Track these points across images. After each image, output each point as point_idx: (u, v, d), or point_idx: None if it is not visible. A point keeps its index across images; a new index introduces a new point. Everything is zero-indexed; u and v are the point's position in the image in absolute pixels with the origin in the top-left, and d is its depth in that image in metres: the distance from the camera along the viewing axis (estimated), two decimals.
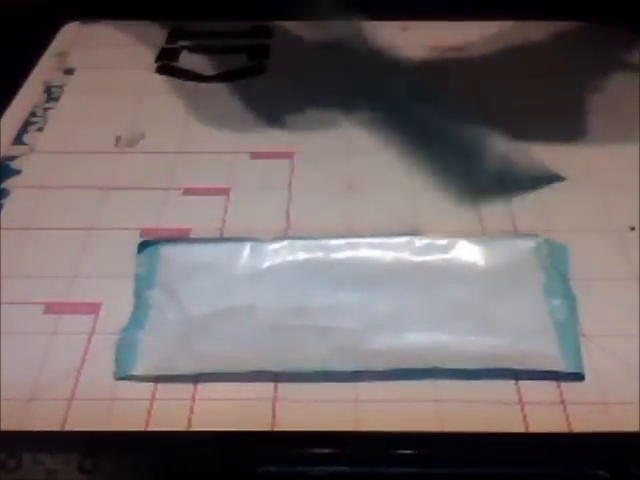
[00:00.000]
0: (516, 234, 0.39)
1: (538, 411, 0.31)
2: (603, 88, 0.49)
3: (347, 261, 0.37)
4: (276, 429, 0.31)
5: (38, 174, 0.43)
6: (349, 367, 0.32)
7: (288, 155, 0.45)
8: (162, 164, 0.44)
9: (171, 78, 0.52)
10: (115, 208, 0.41)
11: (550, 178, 0.42)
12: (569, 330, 0.34)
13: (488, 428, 0.30)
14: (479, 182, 0.42)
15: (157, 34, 0.56)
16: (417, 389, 0.32)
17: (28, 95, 0.50)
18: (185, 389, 0.32)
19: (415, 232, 0.39)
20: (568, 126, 0.46)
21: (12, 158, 0.45)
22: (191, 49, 0.55)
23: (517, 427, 0.31)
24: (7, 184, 0.43)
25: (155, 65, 0.53)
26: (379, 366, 0.32)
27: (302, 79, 0.51)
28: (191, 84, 0.51)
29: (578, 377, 0.32)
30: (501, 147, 0.43)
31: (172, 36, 0.56)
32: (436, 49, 0.54)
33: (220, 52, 0.54)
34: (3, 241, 0.39)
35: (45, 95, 0.50)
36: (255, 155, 0.45)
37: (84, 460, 0.29)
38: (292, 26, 0.56)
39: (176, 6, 0.56)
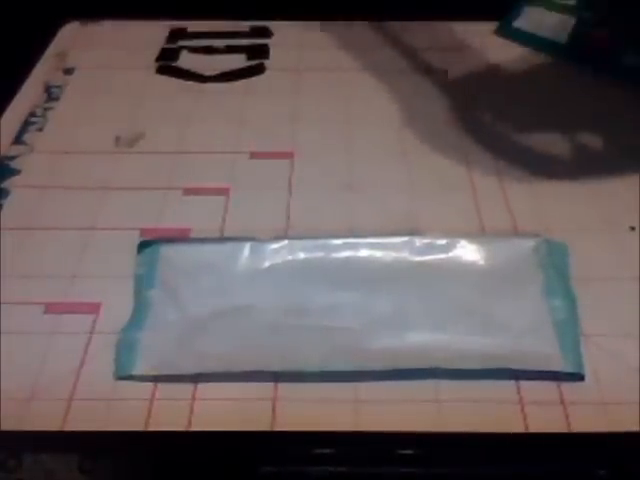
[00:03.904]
0: (516, 234, 0.39)
1: (538, 411, 0.31)
2: None
3: (347, 261, 0.37)
4: (276, 429, 0.31)
5: (38, 174, 0.43)
6: (349, 367, 0.32)
7: (288, 155, 0.45)
8: (162, 164, 0.44)
9: (171, 78, 0.52)
10: (115, 208, 0.41)
11: None
12: (569, 330, 0.34)
13: (488, 428, 0.30)
14: None
15: (157, 34, 0.56)
16: (417, 389, 0.32)
17: (28, 95, 0.50)
18: (185, 389, 0.32)
19: (415, 232, 0.39)
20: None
21: (12, 158, 0.45)
22: (191, 49, 0.55)
23: (517, 427, 0.31)
24: (7, 184, 0.43)
25: (155, 65, 0.53)
26: (379, 366, 0.32)
27: (302, 79, 0.51)
28: (191, 84, 0.51)
29: (578, 377, 0.32)
30: None
31: (172, 36, 0.56)
32: (436, 49, 0.54)
33: (220, 52, 0.54)
34: (3, 241, 0.39)
35: (45, 95, 0.50)
36: (255, 155, 0.45)
37: (84, 460, 0.29)
38: (292, 26, 0.56)
39: (176, 6, 0.56)
